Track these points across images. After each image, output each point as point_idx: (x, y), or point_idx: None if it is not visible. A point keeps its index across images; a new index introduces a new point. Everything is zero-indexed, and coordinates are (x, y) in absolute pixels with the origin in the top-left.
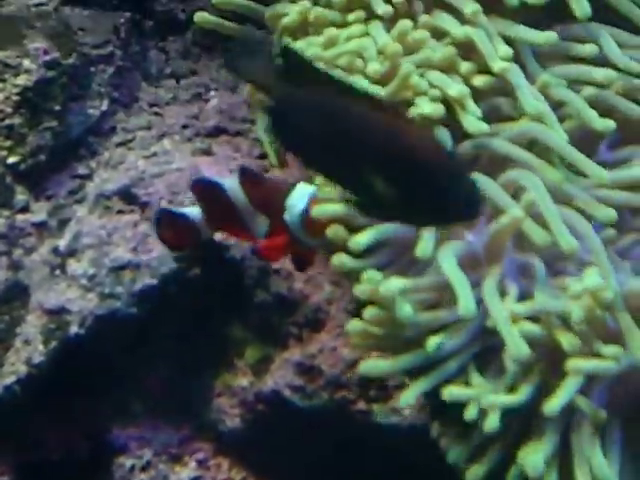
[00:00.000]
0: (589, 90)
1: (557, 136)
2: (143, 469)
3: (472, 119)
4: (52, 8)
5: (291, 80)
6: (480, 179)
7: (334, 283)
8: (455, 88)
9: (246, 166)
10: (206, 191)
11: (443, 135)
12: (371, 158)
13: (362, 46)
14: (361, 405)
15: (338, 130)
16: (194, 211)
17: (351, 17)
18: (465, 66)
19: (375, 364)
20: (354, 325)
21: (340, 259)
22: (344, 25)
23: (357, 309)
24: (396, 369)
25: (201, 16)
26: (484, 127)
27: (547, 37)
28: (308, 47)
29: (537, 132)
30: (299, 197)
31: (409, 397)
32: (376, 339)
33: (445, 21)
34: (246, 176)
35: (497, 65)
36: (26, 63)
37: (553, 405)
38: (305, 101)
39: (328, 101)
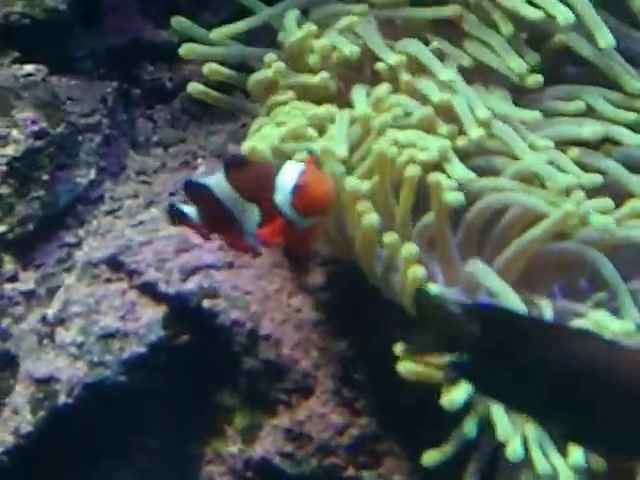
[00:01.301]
0: (574, 152)
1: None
2: None
3: (459, 168)
4: (40, 78)
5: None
6: None
7: (321, 349)
8: (435, 144)
9: (229, 156)
10: (196, 193)
11: None
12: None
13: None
14: (350, 471)
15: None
16: (193, 211)
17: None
18: (445, 128)
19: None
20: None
21: None
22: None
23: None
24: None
25: (193, 86)
26: (471, 175)
27: (533, 115)
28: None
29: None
30: (289, 176)
31: None
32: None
33: (425, 86)
34: (230, 165)
35: (474, 132)
36: (14, 133)
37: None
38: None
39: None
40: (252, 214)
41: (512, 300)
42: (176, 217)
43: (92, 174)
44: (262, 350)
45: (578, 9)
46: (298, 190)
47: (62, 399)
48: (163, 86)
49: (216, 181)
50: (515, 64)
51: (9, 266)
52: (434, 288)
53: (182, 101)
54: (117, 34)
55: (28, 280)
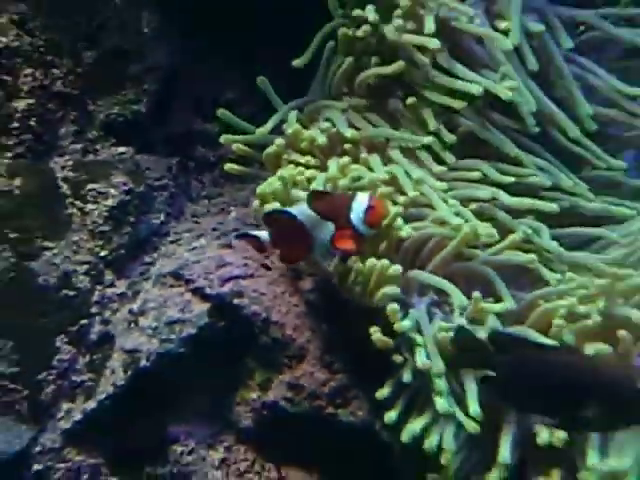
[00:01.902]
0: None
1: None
2: (189, 453)
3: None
4: (129, 156)
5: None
6: None
7: (312, 330)
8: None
9: (315, 188)
10: (276, 218)
11: None
12: (585, 393)
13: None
14: (330, 410)
15: (558, 377)
16: (264, 234)
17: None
18: (385, 189)
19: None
20: None
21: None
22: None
23: (327, 348)
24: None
25: (228, 166)
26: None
27: (441, 185)
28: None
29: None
30: (361, 200)
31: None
32: None
33: (374, 161)
34: (316, 194)
35: (410, 192)
36: (112, 191)
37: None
38: (522, 360)
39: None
40: (328, 230)
41: (451, 290)
42: (247, 239)
43: (162, 217)
44: (272, 331)
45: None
46: (370, 210)
47: (143, 363)
48: (208, 160)
49: (297, 209)
50: (437, 148)
51: (109, 277)
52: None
53: (220, 170)
54: (178, 126)
55: (121, 286)
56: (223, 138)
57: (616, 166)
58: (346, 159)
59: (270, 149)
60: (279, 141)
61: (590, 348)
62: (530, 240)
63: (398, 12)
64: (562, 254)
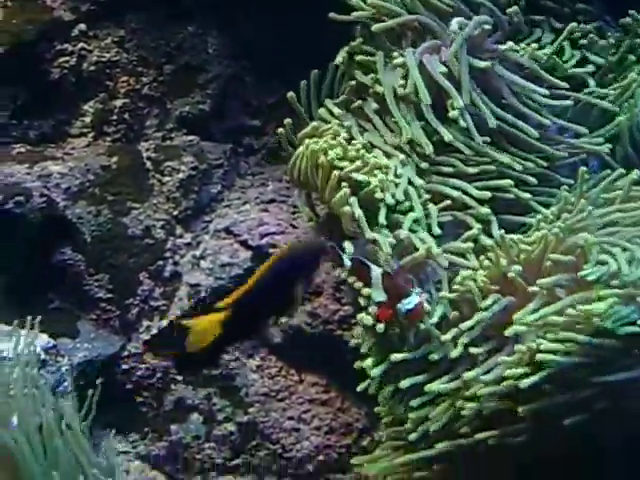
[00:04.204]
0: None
1: None
2: (234, 361)
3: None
4: (195, 142)
5: None
6: None
7: (327, 273)
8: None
9: (391, 271)
10: (359, 268)
11: None
12: None
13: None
14: (338, 332)
15: None
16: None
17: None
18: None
19: None
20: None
21: None
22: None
23: (336, 286)
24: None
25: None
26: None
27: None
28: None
29: None
30: (411, 300)
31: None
32: None
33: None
34: (388, 275)
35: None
36: (182, 167)
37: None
38: None
39: None
40: (380, 296)
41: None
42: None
43: (218, 188)
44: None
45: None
46: (413, 311)
47: (202, 294)
48: (253, 147)
49: (375, 271)
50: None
51: (179, 231)
52: None
53: (262, 155)
54: (232, 121)
55: (187, 238)
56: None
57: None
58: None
59: (307, 130)
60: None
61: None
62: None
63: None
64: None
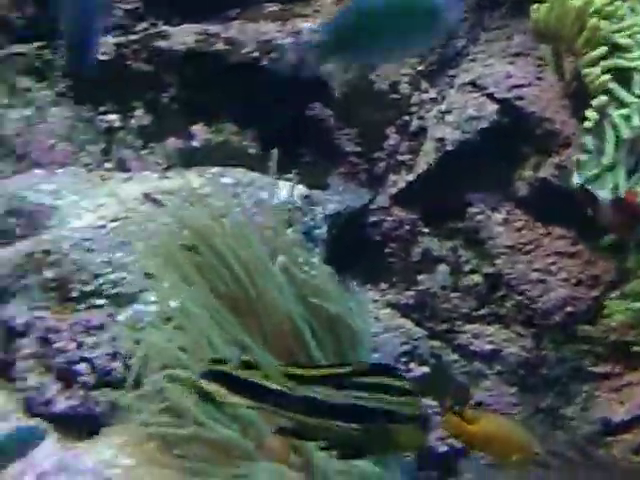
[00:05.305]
0: None
1: None
2: (480, 214)
3: None
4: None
5: None
6: None
7: (576, 126)
8: None
9: None
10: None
11: None
12: None
13: None
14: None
15: None
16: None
17: None
18: None
19: None
20: None
21: None
22: None
23: None
24: None
25: None
26: None
27: None
28: None
29: None
30: None
31: None
32: None
33: None
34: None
35: None
36: None
37: None
38: None
39: None
40: None
41: None
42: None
43: (464, 42)
44: (545, 125)
45: None
46: None
47: (448, 147)
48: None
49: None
50: None
51: (424, 85)
52: None
53: (507, 8)
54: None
55: (432, 92)
56: None
57: None
58: None
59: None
60: None
61: None
62: None
63: None
64: None
